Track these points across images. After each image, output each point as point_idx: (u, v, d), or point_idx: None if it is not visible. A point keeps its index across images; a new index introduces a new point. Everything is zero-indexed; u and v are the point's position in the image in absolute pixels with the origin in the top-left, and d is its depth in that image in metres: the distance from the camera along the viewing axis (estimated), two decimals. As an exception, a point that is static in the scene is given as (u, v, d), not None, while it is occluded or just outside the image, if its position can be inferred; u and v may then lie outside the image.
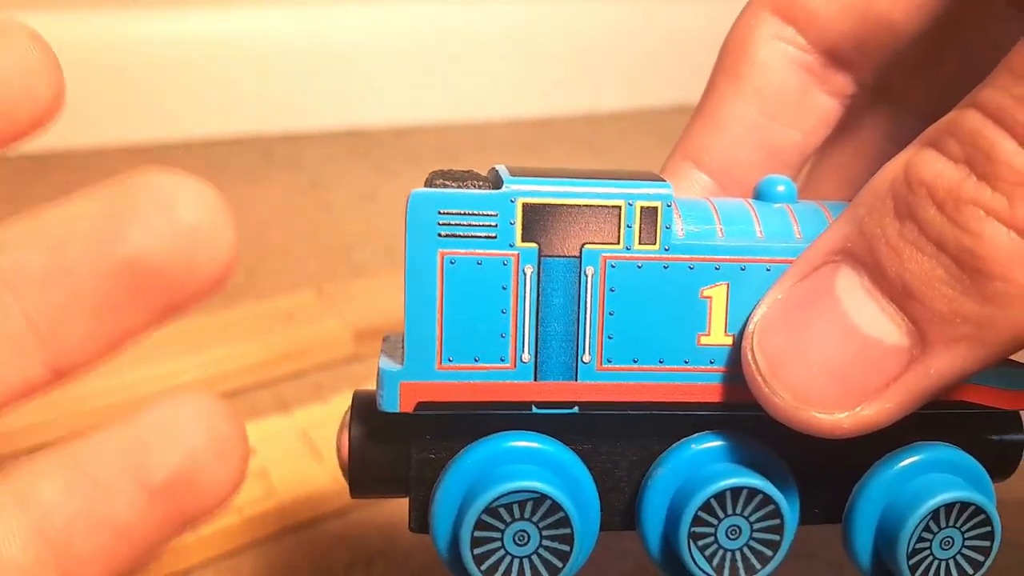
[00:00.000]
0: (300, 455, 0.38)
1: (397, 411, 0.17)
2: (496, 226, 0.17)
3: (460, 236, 0.17)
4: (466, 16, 0.78)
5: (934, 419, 0.18)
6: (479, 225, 0.17)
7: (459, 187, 0.17)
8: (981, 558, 0.19)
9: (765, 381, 0.17)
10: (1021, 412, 0.20)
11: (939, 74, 0.23)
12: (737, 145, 0.23)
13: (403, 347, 0.17)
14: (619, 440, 0.19)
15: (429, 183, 0.17)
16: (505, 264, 0.17)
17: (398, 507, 0.38)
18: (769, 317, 0.17)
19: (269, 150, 0.72)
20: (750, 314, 0.18)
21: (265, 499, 0.36)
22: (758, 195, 0.20)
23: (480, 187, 0.17)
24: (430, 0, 0.76)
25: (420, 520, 0.19)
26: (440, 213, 0.17)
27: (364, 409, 0.19)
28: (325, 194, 0.66)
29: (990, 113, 0.15)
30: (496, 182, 0.17)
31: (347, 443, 0.19)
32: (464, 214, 0.17)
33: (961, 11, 0.22)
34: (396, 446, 0.19)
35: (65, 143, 0.70)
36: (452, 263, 0.17)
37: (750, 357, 0.17)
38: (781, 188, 0.19)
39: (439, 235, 0.17)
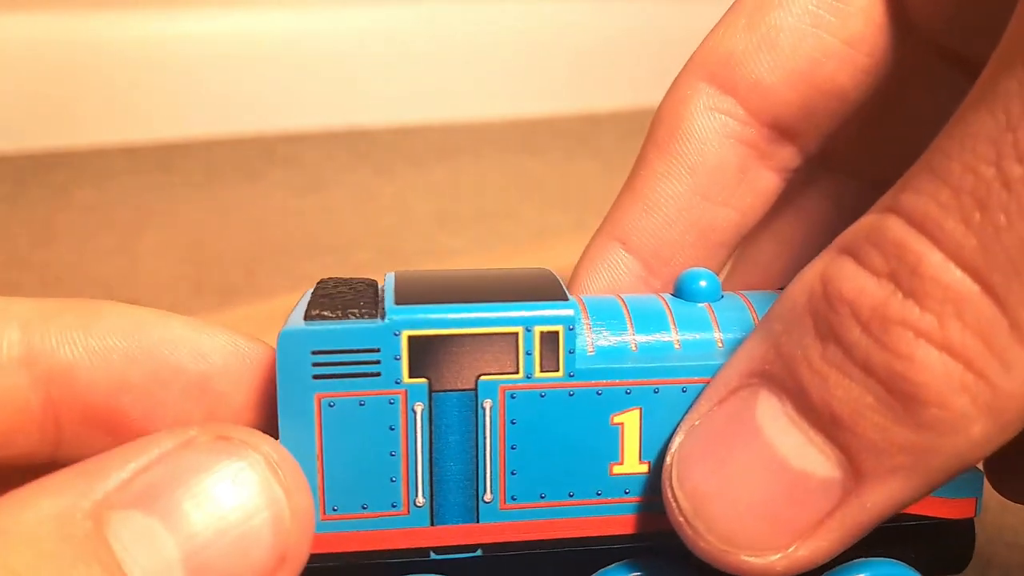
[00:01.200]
0: (300, 455, 0.38)
1: None
2: (379, 363, 0.15)
3: (339, 376, 0.15)
4: (466, 16, 0.78)
5: (876, 532, 0.16)
6: (360, 363, 0.15)
7: (337, 318, 0.15)
8: None
9: (688, 522, 0.15)
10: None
11: (882, 136, 0.22)
12: (667, 226, 0.21)
13: None
14: None
15: (308, 313, 0.15)
16: (392, 403, 0.16)
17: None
18: (687, 449, 0.16)
19: (269, 150, 0.72)
20: (667, 441, 0.16)
21: (265, 499, 0.36)
22: (678, 291, 0.18)
23: (362, 315, 0.15)
24: (430, 0, 0.76)
25: None
26: (314, 353, 0.15)
27: None
28: (325, 194, 0.66)
29: (915, 222, 0.14)
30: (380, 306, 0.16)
31: None
32: (342, 352, 0.15)
33: (904, 74, 0.21)
34: None
35: (65, 143, 0.70)
36: (331, 406, 0.15)
37: (670, 495, 0.16)
38: (703, 283, 0.18)
39: (314, 376, 0.15)
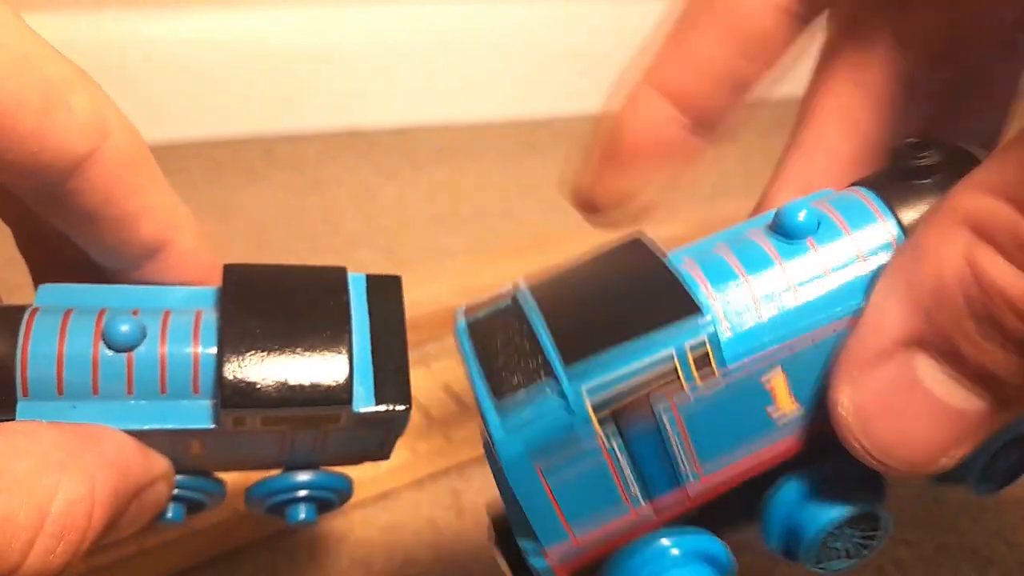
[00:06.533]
0: (300, 455, 0.38)
1: None
2: (574, 427, 0.19)
3: (548, 447, 0.20)
4: (466, 16, 0.78)
5: None
6: (560, 436, 0.19)
7: (522, 384, 0.20)
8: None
9: (879, 461, 0.19)
10: None
11: (949, 7, 0.25)
12: (713, 85, 0.25)
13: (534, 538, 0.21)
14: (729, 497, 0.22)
15: (496, 390, 0.20)
16: (594, 450, 0.20)
17: (399, 508, 0.38)
18: (861, 406, 0.19)
19: (269, 150, 0.72)
20: (814, 382, 0.20)
21: (265, 499, 0.36)
22: (780, 227, 0.21)
23: (539, 377, 0.20)
24: (430, 0, 0.76)
25: None
26: (531, 451, 0.19)
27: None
28: (325, 194, 0.66)
29: None
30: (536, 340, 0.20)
31: None
32: (549, 440, 0.19)
33: None
34: None
35: (65, 143, 0.70)
36: (549, 470, 0.20)
37: (858, 445, 0.19)
38: (802, 215, 0.21)
39: (530, 455, 0.20)
